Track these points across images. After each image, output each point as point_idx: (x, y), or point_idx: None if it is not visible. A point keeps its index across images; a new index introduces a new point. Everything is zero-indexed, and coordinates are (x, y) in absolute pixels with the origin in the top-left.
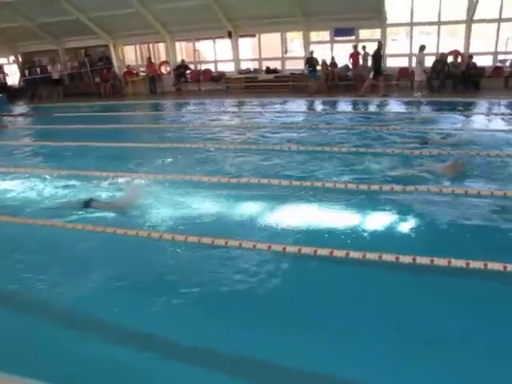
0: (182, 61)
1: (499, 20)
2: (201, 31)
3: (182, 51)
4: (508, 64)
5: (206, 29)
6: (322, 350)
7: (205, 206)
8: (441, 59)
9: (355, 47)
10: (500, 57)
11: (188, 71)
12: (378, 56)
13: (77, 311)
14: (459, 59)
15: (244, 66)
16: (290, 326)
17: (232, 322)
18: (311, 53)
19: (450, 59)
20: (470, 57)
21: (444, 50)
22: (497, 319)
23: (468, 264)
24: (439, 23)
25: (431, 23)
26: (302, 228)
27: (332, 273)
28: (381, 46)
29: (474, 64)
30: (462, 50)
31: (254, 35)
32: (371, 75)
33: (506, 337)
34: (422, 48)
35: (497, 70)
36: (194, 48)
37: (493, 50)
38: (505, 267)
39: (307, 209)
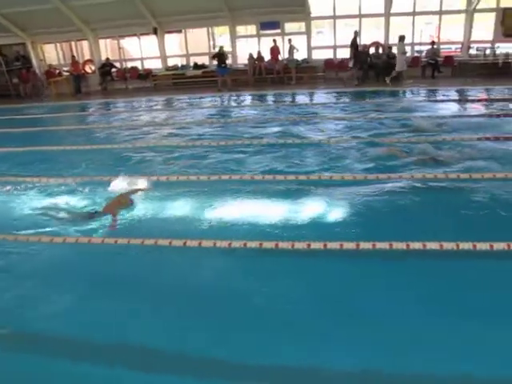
0: (107, 59)
1: (413, 13)
2: (125, 28)
3: (107, 49)
4: (423, 54)
5: (130, 25)
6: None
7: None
8: (364, 51)
9: (275, 41)
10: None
11: (114, 69)
12: (355, 45)
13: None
14: (380, 50)
15: (172, 62)
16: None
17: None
18: (221, 48)
19: (372, 50)
20: (389, 48)
21: (368, 41)
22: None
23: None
24: (360, 16)
25: (353, 16)
26: (222, 223)
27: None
28: (356, 35)
29: (394, 54)
30: (382, 42)
31: (180, 31)
32: (351, 64)
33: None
34: (402, 38)
35: (414, 60)
36: (119, 45)
37: (410, 41)
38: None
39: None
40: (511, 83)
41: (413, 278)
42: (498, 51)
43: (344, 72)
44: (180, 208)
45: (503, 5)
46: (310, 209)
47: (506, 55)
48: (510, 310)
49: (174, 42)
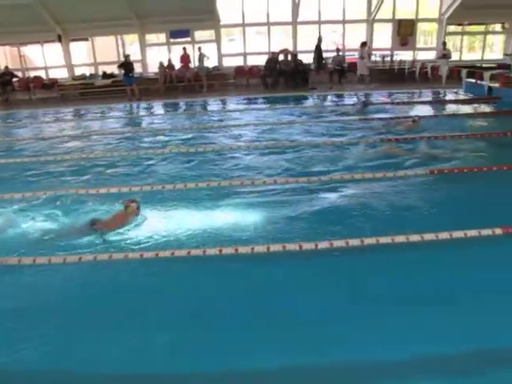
0: (6, 67)
1: (319, 22)
2: (26, 34)
3: (7, 57)
4: (330, 61)
5: (32, 32)
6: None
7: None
8: (272, 58)
9: (184, 49)
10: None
11: (15, 79)
12: (319, 50)
13: None
14: (289, 57)
15: (79, 71)
16: None
17: None
18: (126, 57)
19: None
20: (296, 55)
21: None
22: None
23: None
24: (268, 24)
25: (261, 24)
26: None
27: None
28: (320, 40)
29: (301, 61)
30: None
31: (86, 39)
32: (312, 67)
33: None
34: (363, 44)
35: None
36: (20, 53)
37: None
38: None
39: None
40: (405, 87)
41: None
42: (397, 58)
43: (254, 79)
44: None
45: (398, 16)
46: (219, 216)
47: (400, 62)
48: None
49: (81, 51)
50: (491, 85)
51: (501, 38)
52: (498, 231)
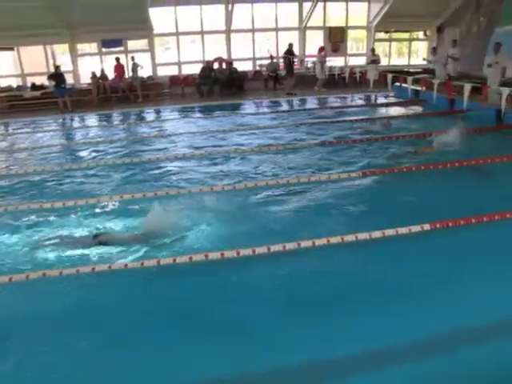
0: None
1: (253, 30)
2: None
3: None
4: (265, 69)
5: None
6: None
7: None
8: (207, 66)
9: (118, 59)
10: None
11: None
12: (290, 55)
13: None
14: (223, 65)
15: (5, 82)
16: None
17: None
18: (57, 67)
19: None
20: (231, 63)
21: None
22: None
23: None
24: (202, 33)
25: (195, 33)
26: None
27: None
28: (291, 47)
29: (236, 69)
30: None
31: (12, 48)
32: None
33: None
34: (321, 49)
35: (257, 74)
36: None
37: (251, 56)
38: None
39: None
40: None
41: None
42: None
43: (189, 87)
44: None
45: (329, 24)
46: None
47: (330, 68)
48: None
49: (6, 61)
50: (417, 88)
51: (424, 45)
52: (427, 227)
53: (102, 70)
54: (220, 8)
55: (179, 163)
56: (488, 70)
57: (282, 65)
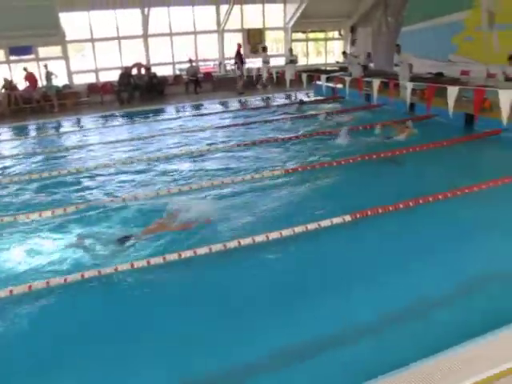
0: None
1: (170, 34)
2: None
3: None
4: (185, 73)
5: None
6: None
7: None
8: (125, 72)
9: (26, 69)
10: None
11: None
12: (240, 59)
13: None
14: (142, 71)
15: None
16: None
17: None
18: None
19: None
20: (149, 69)
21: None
22: None
23: None
24: (119, 38)
25: (111, 38)
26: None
27: None
28: (240, 47)
29: (155, 74)
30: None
31: None
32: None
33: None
34: (264, 49)
35: (177, 78)
36: None
37: (170, 60)
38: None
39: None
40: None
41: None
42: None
43: (108, 95)
44: None
45: (247, 26)
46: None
47: (248, 70)
48: None
49: None
50: (336, 86)
51: (340, 44)
52: (348, 218)
53: (11, 81)
54: (136, 12)
55: (100, 173)
56: (397, 67)
57: (202, 68)
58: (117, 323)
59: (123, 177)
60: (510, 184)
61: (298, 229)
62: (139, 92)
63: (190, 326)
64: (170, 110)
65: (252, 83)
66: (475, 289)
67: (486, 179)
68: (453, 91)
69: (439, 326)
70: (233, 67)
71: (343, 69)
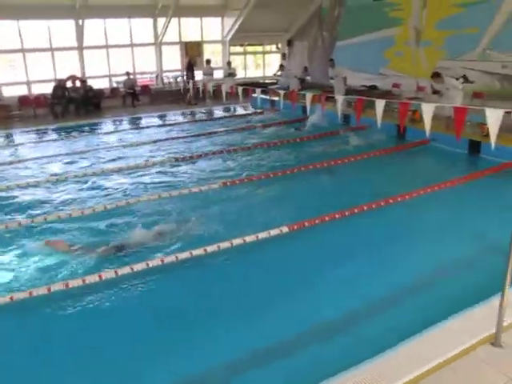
0: None
1: (107, 46)
2: None
3: None
4: (122, 85)
5: None
6: None
7: None
8: (60, 85)
9: None
10: (114, 79)
11: None
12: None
13: None
14: (78, 83)
15: None
16: None
17: None
18: None
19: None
20: (85, 81)
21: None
22: None
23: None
24: (52, 49)
25: (44, 49)
26: None
27: None
28: (191, 60)
29: (91, 87)
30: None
31: None
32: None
33: None
34: (208, 62)
35: (114, 91)
36: None
37: (106, 73)
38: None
39: None
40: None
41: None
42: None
43: (42, 108)
44: None
45: (184, 39)
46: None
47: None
48: None
49: None
50: (273, 98)
51: (278, 57)
52: (285, 229)
53: None
54: (70, 23)
55: (32, 191)
56: (332, 81)
57: (139, 80)
58: None
59: (57, 193)
60: (434, 192)
61: (236, 241)
62: (74, 105)
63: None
64: (107, 124)
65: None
66: (406, 292)
67: (413, 188)
68: (380, 104)
69: (369, 333)
70: (171, 80)
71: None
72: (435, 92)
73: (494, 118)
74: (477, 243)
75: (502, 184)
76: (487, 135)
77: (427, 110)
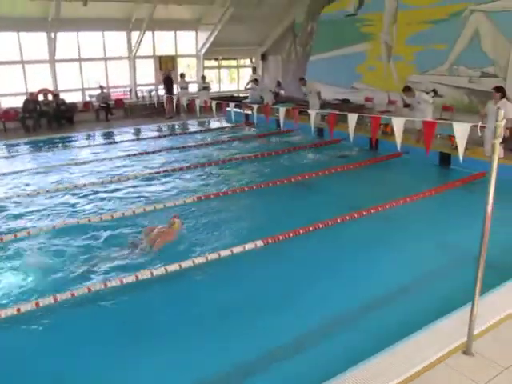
0: None
1: (79, 59)
2: None
3: None
4: (95, 99)
5: None
6: None
7: None
8: (31, 99)
9: None
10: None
11: None
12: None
13: None
14: (50, 97)
15: None
16: None
17: None
18: None
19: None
20: (57, 95)
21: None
22: None
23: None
24: (23, 62)
25: (14, 62)
26: None
27: None
28: (169, 73)
29: (63, 100)
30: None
31: None
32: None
33: None
34: (182, 75)
35: (87, 105)
36: None
37: (80, 86)
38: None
39: None
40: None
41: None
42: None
43: (12, 122)
44: None
45: (159, 53)
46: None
47: (158, 97)
48: None
49: None
50: (248, 112)
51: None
52: (259, 243)
53: None
54: (42, 36)
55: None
56: (307, 97)
57: (113, 94)
58: None
59: (28, 208)
60: (406, 204)
61: (212, 256)
62: (46, 119)
63: None
64: (80, 138)
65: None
66: (376, 305)
67: (385, 200)
68: (352, 118)
69: (343, 343)
70: (145, 94)
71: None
72: (406, 105)
73: (461, 131)
74: (448, 253)
75: (471, 195)
76: (456, 148)
77: (398, 124)
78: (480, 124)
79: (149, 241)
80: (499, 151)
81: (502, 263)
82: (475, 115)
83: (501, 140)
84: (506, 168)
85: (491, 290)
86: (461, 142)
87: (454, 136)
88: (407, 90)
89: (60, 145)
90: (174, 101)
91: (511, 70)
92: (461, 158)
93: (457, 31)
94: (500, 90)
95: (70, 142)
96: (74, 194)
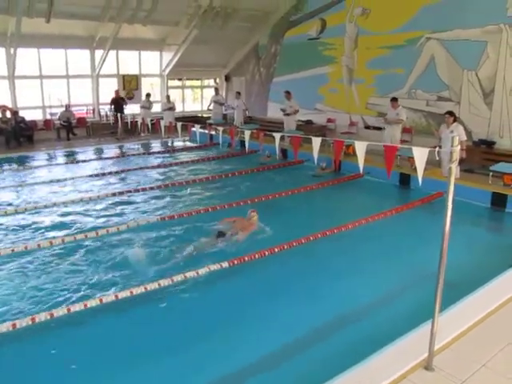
0: None
1: (41, 77)
2: None
3: None
4: (57, 117)
5: None
6: None
7: None
8: None
9: None
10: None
11: None
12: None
13: None
14: (8, 114)
15: None
16: None
17: None
18: None
19: None
20: (16, 112)
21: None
22: None
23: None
24: None
25: None
26: None
27: None
28: (117, 94)
29: (23, 118)
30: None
31: None
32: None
33: None
34: (148, 95)
35: (48, 123)
36: None
37: (40, 104)
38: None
39: None
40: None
41: None
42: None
43: None
44: None
45: (122, 72)
46: None
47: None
48: None
49: None
50: (212, 133)
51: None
52: (225, 264)
53: None
54: (1, 51)
55: None
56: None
57: (75, 113)
58: None
59: None
60: (367, 224)
61: (177, 277)
62: (4, 137)
63: None
64: (39, 158)
65: (131, 130)
66: (338, 325)
67: (346, 221)
68: (316, 141)
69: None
70: (108, 113)
71: (223, 116)
72: (367, 127)
73: (420, 156)
74: (408, 272)
75: (430, 213)
76: (415, 169)
77: (360, 148)
78: (437, 149)
79: (235, 229)
80: (455, 172)
81: (459, 280)
82: (432, 136)
83: (456, 163)
84: (462, 188)
85: (450, 306)
86: (419, 166)
87: (413, 157)
88: (394, 100)
89: (18, 164)
90: (131, 120)
91: (464, 94)
92: (420, 182)
93: (414, 57)
94: (452, 115)
95: (28, 161)
96: (33, 216)
